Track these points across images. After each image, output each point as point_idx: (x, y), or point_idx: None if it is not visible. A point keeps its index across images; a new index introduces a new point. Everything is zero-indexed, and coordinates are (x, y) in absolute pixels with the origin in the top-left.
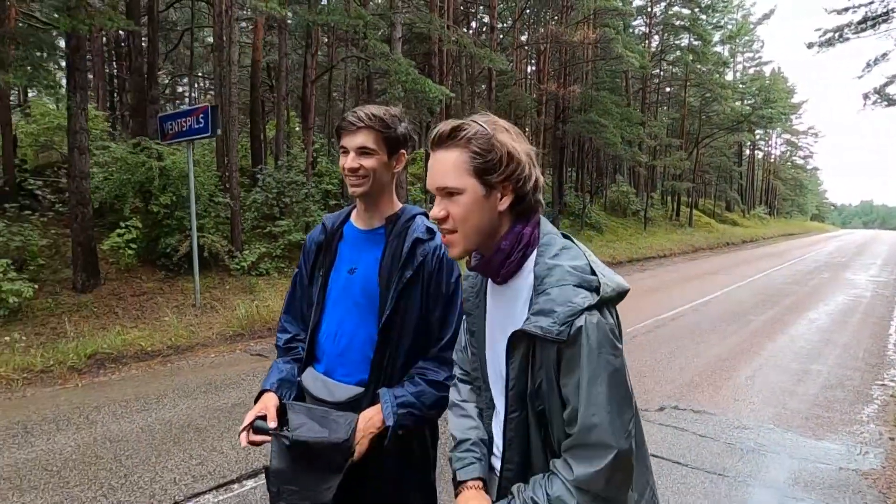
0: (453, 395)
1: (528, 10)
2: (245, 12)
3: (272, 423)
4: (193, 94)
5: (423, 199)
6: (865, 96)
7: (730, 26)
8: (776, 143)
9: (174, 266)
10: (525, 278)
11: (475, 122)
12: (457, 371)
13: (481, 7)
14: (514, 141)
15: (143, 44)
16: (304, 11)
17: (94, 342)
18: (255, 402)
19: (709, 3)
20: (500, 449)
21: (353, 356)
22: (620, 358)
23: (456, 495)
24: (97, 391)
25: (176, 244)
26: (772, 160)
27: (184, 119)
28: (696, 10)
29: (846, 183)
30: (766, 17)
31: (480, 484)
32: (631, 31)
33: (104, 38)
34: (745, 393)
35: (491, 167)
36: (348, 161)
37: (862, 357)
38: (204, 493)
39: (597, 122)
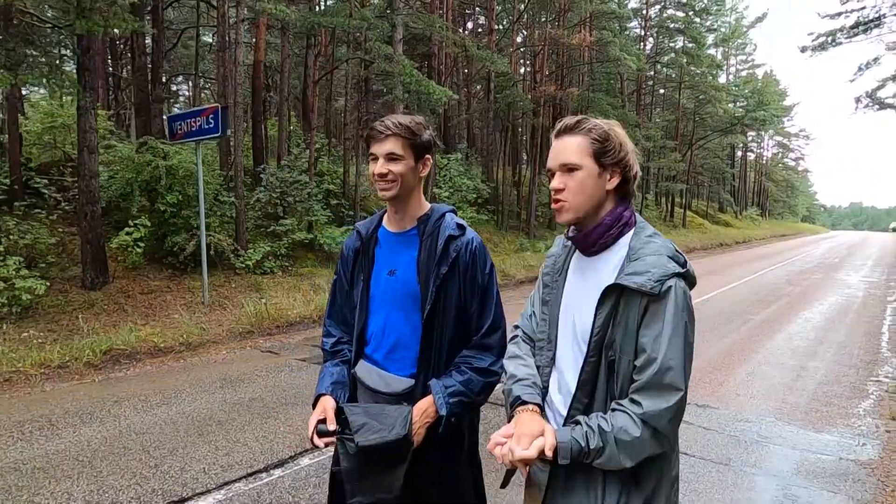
0: (515, 350)
1: (525, 13)
2: (244, 12)
3: (332, 426)
4: (189, 94)
5: (437, 196)
6: (857, 100)
7: (723, 29)
8: (768, 145)
9: (180, 264)
10: (616, 252)
11: (593, 118)
12: (520, 333)
13: (477, 8)
14: (623, 137)
15: (145, 43)
16: (307, 13)
17: (108, 339)
18: (314, 406)
19: (703, 6)
20: (555, 402)
21: (401, 351)
22: (693, 325)
23: (511, 418)
24: (115, 386)
25: (182, 243)
26: (764, 162)
27: (193, 119)
28: (691, 13)
29: (836, 185)
30: (759, 20)
31: (538, 409)
32: (627, 33)
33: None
34: (746, 388)
35: (606, 151)
36: (378, 167)
37: (857, 354)
38: (234, 481)
39: None
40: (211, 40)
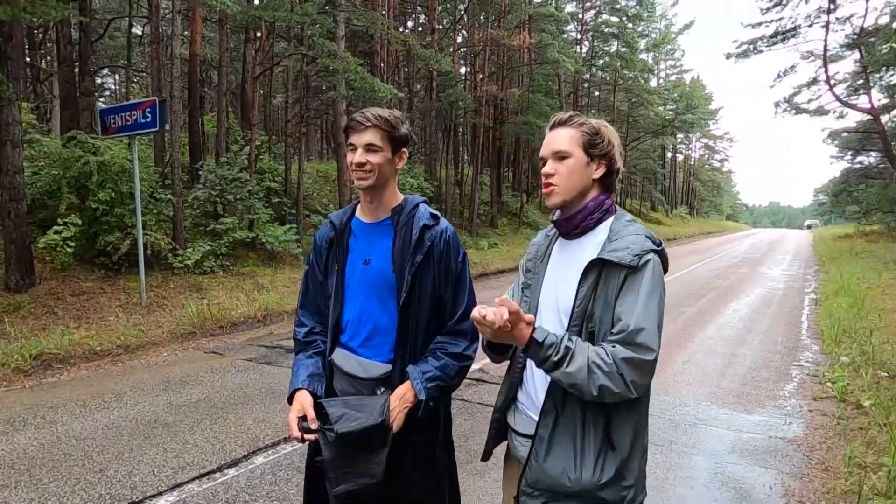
0: None
1: (465, 14)
2: (178, 3)
3: (314, 425)
4: (115, 87)
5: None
6: (777, 105)
7: (654, 35)
8: (695, 147)
9: (114, 265)
10: (597, 235)
11: (583, 116)
12: None
13: (418, 7)
14: (612, 134)
15: (71, 32)
16: (247, 6)
17: (38, 343)
18: (290, 400)
19: (635, 12)
20: (536, 373)
21: (378, 339)
22: (664, 297)
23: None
24: (48, 392)
25: (116, 242)
26: (692, 163)
27: (129, 113)
28: (624, 18)
29: (757, 185)
30: (687, 27)
31: None
32: (564, 36)
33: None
34: (683, 375)
35: (595, 144)
36: (356, 157)
37: (780, 342)
38: (186, 482)
39: (533, 123)
40: (140, 31)
